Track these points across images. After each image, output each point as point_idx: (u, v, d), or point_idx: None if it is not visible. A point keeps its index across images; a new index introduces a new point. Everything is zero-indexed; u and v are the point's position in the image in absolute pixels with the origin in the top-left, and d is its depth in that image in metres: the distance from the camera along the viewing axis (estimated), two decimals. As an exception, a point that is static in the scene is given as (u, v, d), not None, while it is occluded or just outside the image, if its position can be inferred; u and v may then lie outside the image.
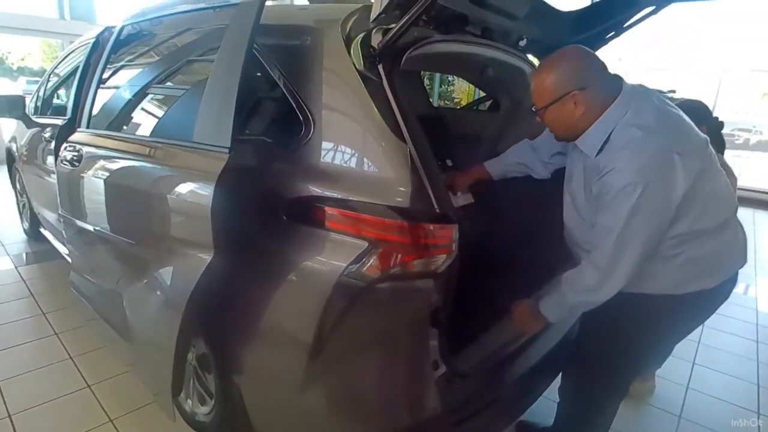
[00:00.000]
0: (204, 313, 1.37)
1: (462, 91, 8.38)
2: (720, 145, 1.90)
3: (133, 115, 1.89)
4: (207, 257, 1.20)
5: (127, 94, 2.00)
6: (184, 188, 1.35)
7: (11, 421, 1.82)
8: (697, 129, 1.23)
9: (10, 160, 3.70)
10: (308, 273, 1.20)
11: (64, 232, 2.21)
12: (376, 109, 1.19)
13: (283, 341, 1.30)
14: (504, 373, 1.50)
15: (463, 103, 7.37)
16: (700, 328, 2.89)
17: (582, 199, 1.28)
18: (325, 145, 1.25)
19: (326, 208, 1.18)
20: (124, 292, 1.69)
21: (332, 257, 1.16)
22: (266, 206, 1.29)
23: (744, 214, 6.07)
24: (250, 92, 1.37)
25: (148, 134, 1.75)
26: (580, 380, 1.52)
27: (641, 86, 1.24)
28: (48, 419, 1.85)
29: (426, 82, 8.04)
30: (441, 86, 8.50)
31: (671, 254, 1.21)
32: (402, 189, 1.14)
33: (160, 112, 1.86)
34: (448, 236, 1.15)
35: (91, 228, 1.87)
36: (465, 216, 1.62)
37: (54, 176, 2.14)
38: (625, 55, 9.34)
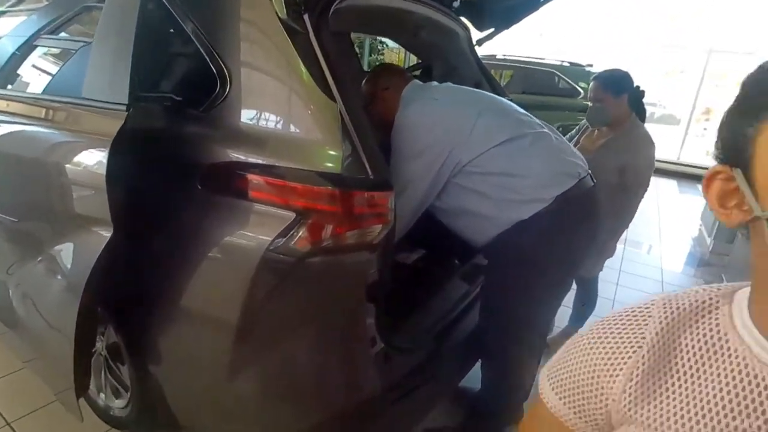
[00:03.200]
0: (108, 298, 1.20)
1: (392, 60, 8.28)
2: (641, 113, 1.97)
3: (13, 68, 1.59)
4: (107, 234, 1.03)
5: (8, 44, 1.67)
6: (74, 154, 1.16)
7: None
8: (476, 91, 1.56)
9: None
10: (229, 248, 1.08)
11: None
12: (302, 64, 1.06)
13: (206, 325, 1.18)
14: (441, 345, 1.47)
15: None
16: (613, 287, 3.13)
17: None
18: (245, 104, 1.11)
19: (249, 176, 1.05)
20: (9, 278, 1.45)
21: (256, 230, 1.05)
22: (177, 174, 1.13)
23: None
24: (153, 42, 1.18)
25: (30, 91, 1.48)
26: (493, 341, 1.50)
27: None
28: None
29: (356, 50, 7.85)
30: (371, 55, 8.36)
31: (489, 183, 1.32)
32: (333, 153, 1.04)
33: (47, 65, 1.58)
34: (384, 204, 1.07)
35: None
36: None
37: None
38: (546, 31, 9.80)
